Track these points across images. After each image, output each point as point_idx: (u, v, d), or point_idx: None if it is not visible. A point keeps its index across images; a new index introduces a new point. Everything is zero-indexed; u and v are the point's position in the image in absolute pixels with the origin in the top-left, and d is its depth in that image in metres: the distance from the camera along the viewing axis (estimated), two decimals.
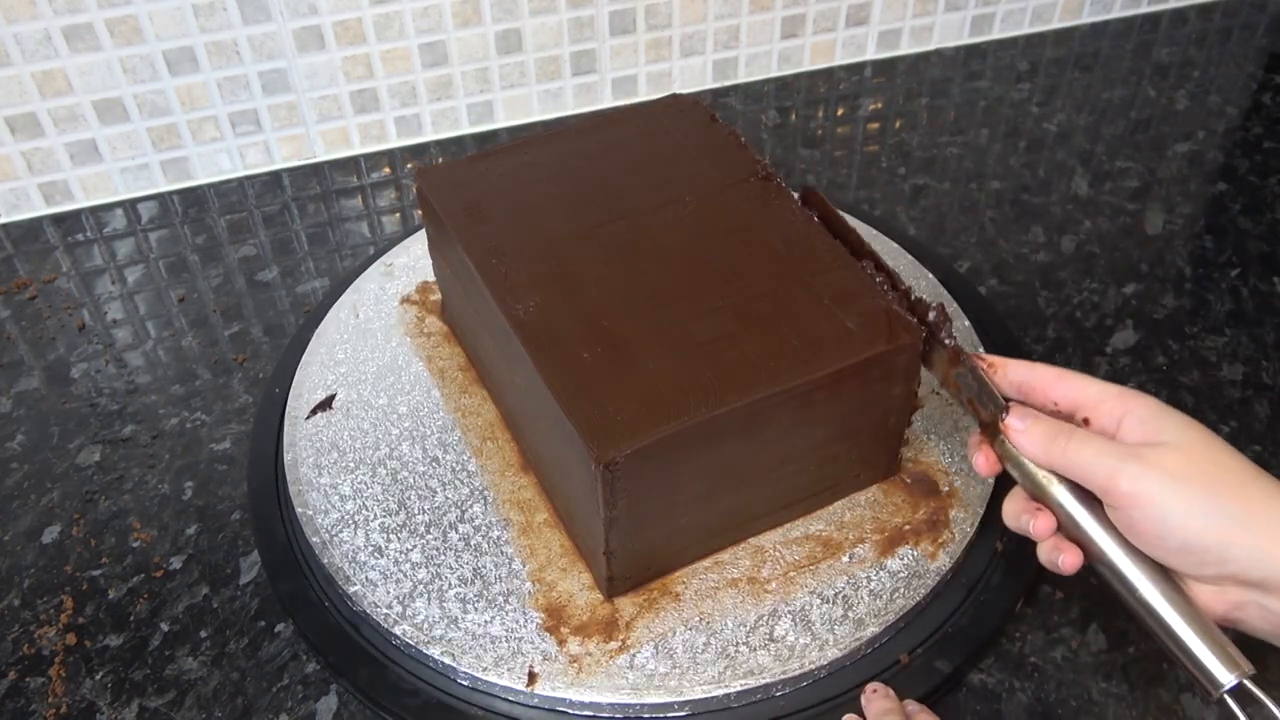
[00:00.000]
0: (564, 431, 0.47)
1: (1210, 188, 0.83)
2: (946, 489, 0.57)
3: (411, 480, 0.58)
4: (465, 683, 0.50)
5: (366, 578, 0.54)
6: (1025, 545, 0.54)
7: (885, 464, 0.56)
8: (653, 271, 0.54)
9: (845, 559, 0.54)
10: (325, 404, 0.63)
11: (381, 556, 0.54)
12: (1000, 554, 0.55)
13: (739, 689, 0.49)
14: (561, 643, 0.50)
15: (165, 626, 0.55)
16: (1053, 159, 0.85)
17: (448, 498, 0.57)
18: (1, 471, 0.63)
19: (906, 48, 0.97)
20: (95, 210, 0.82)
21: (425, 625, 0.52)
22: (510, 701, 0.50)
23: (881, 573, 0.53)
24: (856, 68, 0.96)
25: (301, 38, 0.80)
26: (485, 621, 0.51)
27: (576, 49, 0.87)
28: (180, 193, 0.84)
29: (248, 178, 0.85)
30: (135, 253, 0.79)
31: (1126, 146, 0.86)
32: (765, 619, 0.51)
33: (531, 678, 0.49)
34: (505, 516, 0.56)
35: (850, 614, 0.51)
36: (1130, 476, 0.41)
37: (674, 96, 0.66)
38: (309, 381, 0.64)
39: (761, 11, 0.90)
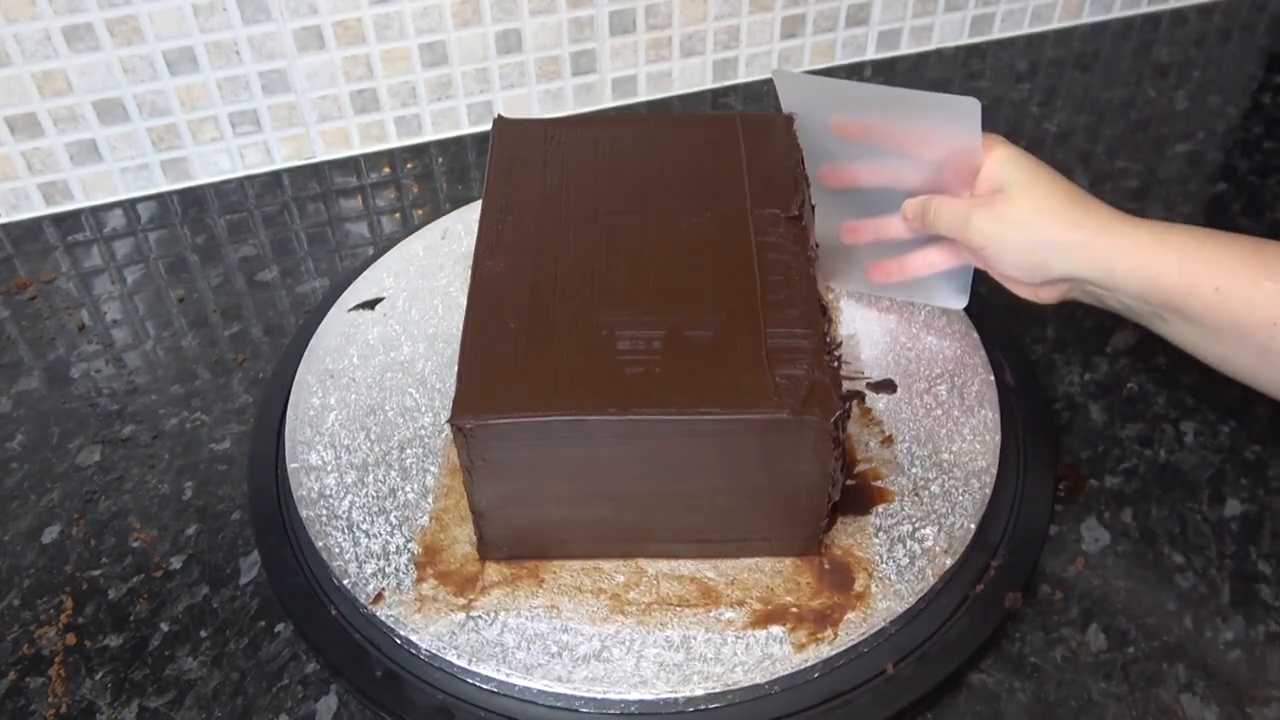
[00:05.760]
0: None
1: (1210, 188, 0.82)
2: (860, 589, 0.52)
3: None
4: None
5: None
6: (917, 674, 0.50)
7: (801, 541, 0.53)
8: (624, 270, 0.54)
9: (712, 614, 0.51)
10: (370, 304, 0.69)
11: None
12: (887, 677, 0.50)
13: (540, 688, 0.49)
14: (421, 580, 0.53)
15: (165, 626, 0.55)
16: (1053, 159, 0.85)
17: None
18: (1, 471, 0.63)
19: (906, 48, 0.97)
20: (95, 210, 0.83)
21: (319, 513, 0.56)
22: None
23: (739, 642, 0.50)
24: (856, 68, 0.96)
25: (301, 38, 0.80)
26: (376, 534, 0.55)
27: (576, 49, 0.87)
28: (180, 193, 0.84)
29: (247, 178, 0.85)
30: (135, 253, 0.79)
31: (1126, 146, 0.86)
32: (605, 638, 0.51)
33: (378, 598, 0.52)
34: (446, 454, 0.59)
35: (682, 668, 0.49)
36: (975, 229, 0.56)
37: (770, 114, 0.64)
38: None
39: (761, 11, 0.90)
